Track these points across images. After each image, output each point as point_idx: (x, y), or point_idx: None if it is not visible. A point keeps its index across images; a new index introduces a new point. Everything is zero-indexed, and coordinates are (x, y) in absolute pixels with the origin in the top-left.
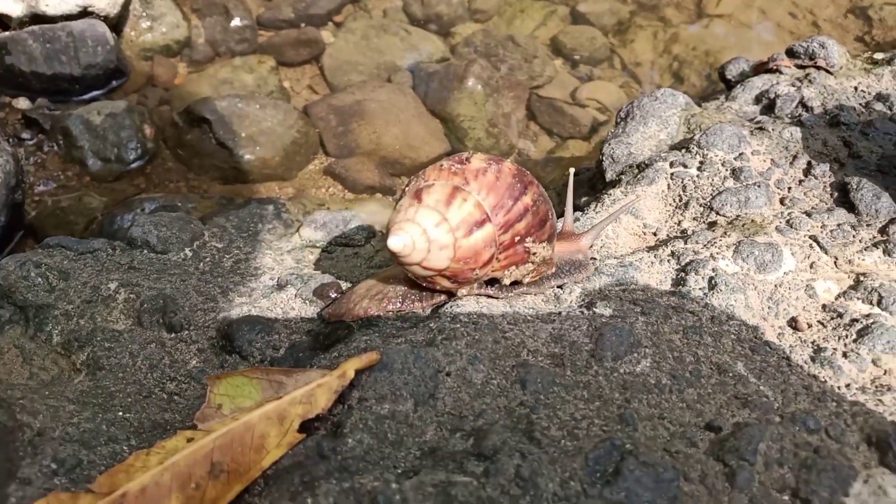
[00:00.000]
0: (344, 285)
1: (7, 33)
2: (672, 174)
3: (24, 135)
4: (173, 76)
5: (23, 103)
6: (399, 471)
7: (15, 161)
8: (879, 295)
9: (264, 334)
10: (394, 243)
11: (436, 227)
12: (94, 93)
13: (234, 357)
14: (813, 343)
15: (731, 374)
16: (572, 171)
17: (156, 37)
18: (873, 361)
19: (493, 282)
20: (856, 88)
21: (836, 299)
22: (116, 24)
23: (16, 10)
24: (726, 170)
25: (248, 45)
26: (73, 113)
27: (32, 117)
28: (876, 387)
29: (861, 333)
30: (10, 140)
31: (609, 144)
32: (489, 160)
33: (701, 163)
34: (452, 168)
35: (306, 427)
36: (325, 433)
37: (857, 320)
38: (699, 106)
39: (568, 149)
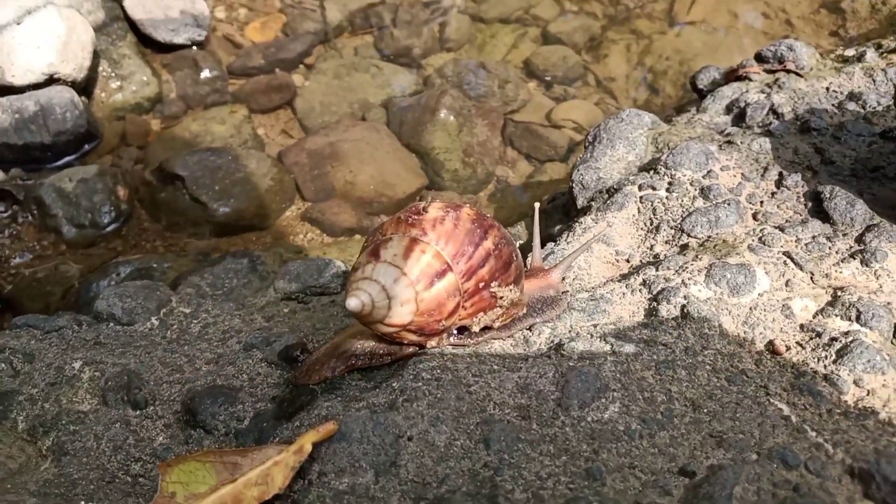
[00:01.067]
0: (311, 345)
1: None
2: (641, 197)
3: None
4: (146, 134)
5: None
6: None
7: None
8: (858, 310)
9: (227, 405)
10: (352, 304)
11: (395, 282)
12: (68, 158)
13: (198, 431)
14: (793, 367)
15: (705, 411)
16: (537, 206)
17: (126, 96)
18: (855, 382)
19: (463, 329)
20: (827, 89)
21: (815, 317)
22: (85, 87)
23: None
24: (695, 189)
25: (219, 96)
26: (46, 182)
27: (6, 189)
28: (859, 410)
29: (840, 353)
30: None
31: (578, 170)
32: (447, 208)
33: (669, 184)
34: (409, 219)
35: None
36: None
37: (836, 339)
38: (667, 123)
39: (546, 172)
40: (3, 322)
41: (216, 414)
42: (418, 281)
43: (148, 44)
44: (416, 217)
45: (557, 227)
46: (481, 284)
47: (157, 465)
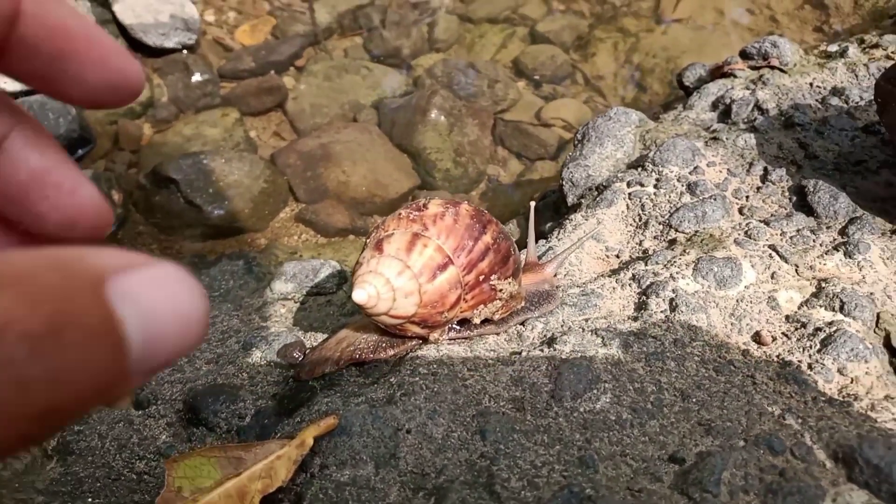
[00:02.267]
0: (308, 343)
1: None
2: (630, 194)
3: None
4: (139, 138)
5: None
6: None
7: None
8: (841, 300)
9: (229, 403)
10: (358, 296)
11: (398, 275)
12: None
13: (201, 429)
14: (778, 357)
15: (694, 400)
16: (532, 203)
17: None
18: (839, 371)
19: (463, 322)
20: (811, 84)
21: (799, 308)
22: None
23: None
24: (682, 185)
25: (210, 99)
26: None
27: None
28: (843, 397)
29: (825, 342)
30: None
31: (567, 168)
32: (446, 204)
33: (657, 180)
34: (411, 216)
35: (270, 501)
36: None
37: (820, 329)
38: (654, 120)
39: (537, 171)
40: None
41: (218, 412)
42: (421, 273)
43: (138, 48)
44: (417, 213)
45: (549, 225)
46: (481, 277)
47: (161, 463)
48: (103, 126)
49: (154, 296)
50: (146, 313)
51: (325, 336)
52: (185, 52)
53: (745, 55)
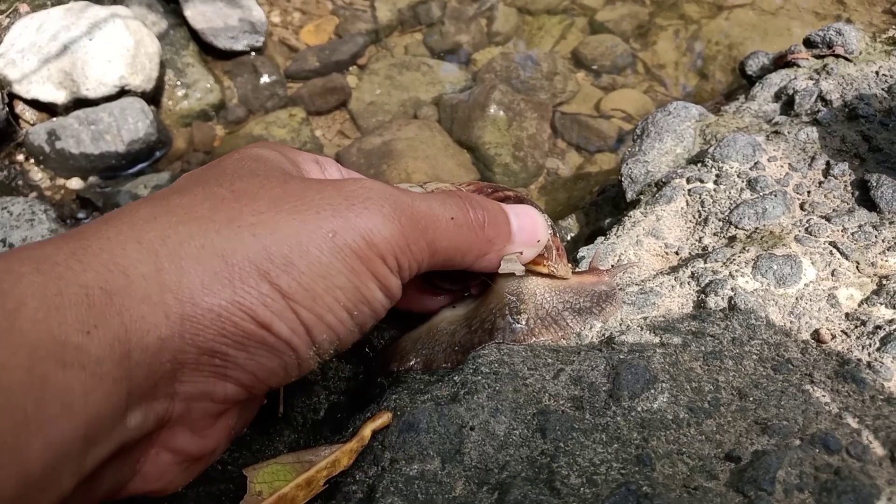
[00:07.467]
0: (375, 340)
1: (55, 120)
2: (689, 190)
3: (80, 214)
4: (212, 139)
5: (75, 183)
6: None
7: None
8: None
9: (305, 398)
10: None
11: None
12: (141, 165)
13: (280, 423)
14: (838, 355)
15: (751, 399)
16: (600, 240)
17: (192, 103)
18: None
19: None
20: (877, 73)
21: (860, 306)
22: (154, 96)
23: (60, 97)
24: (742, 181)
25: (278, 100)
26: (122, 189)
27: (86, 197)
28: None
29: (885, 341)
30: (67, 222)
31: (626, 164)
32: (490, 187)
33: (717, 176)
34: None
35: (345, 494)
36: (361, 496)
37: (880, 327)
38: (716, 112)
39: (596, 163)
40: None
41: (294, 406)
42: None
43: (209, 52)
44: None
45: (607, 221)
46: None
47: (242, 453)
48: (178, 128)
49: (520, 211)
50: (518, 215)
51: (393, 334)
52: (252, 54)
53: (808, 44)
